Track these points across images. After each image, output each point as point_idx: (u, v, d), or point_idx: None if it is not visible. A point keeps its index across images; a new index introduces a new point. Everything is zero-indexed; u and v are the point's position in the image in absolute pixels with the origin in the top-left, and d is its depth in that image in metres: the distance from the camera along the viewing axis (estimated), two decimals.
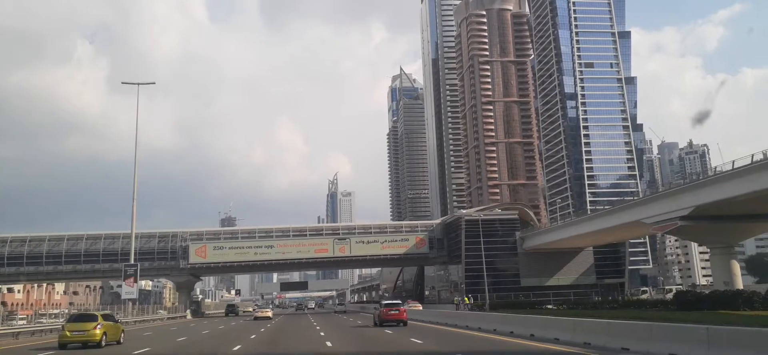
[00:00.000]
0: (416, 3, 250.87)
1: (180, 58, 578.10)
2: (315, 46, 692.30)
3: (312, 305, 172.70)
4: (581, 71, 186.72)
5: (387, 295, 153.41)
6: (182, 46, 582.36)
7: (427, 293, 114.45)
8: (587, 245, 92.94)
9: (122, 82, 65.87)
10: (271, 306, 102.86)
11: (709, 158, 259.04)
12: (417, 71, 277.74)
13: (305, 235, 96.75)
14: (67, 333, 28.11)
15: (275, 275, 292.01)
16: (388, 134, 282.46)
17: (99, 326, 28.45)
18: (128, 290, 71.78)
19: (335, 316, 74.82)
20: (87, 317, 30.00)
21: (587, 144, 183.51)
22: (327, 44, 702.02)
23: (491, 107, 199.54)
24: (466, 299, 77.07)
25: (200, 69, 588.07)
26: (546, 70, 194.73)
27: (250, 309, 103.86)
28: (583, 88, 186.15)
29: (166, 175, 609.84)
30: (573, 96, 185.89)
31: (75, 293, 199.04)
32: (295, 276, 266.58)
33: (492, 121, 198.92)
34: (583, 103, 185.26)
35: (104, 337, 28.69)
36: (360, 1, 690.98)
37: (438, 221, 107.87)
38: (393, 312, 40.50)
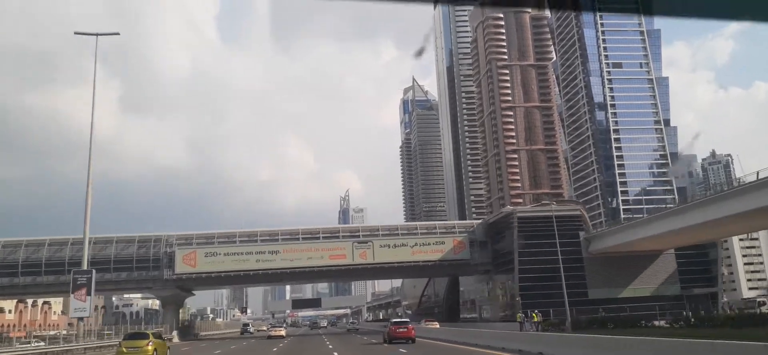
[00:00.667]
0: (426, 18, 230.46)
1: (190, 78, 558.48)
2: (323, 64, 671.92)
3: (324, 323, 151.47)
4: (609, 72, 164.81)
5: (409, 312, 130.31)
6: (193, 66, 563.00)
7: (463, 308, 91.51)
8: (668, 246, 70.24)
9: (75, 33, 41.80)
10: (284, 325, 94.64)
11: (733, 169, 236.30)
12: (429, 85, 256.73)
13: (318, 238, 74.20)
14: (124, 349, 29.37)
15: (288, 290, 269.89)
16: (400, 147, 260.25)
17: (150, 343, 29.79)
18: (79, 305, 49.33)
19: (347, 334, 70.96)
20: (140, 336, 32.34)
21: (618, 149, 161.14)
22: (335, 62, 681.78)
23: (511, 113, 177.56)
24: (534, 315, 54.55)
25: (210, 88, 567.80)
26: (570, 73, 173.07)
27: (265, 328, 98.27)
28: (611, 89, 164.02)
29: (174, 194, 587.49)
30: (601, 98, 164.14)
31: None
32: (308, 292, 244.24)
33: (512, 127, 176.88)
34: (613, 105, 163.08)
35: (155, 353, 29.54)
36: (368, 19, 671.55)
37: (479, 220, 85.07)
38: (401, 330, 39.77)
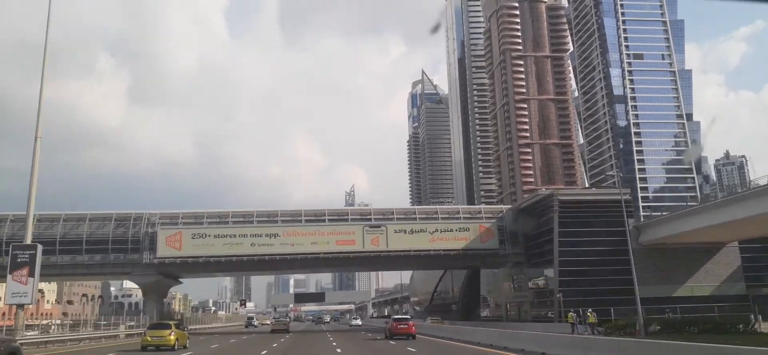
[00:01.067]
0: (437, 8, 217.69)
1: (198, 72, 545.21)
2: (331, 59, 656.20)
3: (327, 318, 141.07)
4: (629, 63, 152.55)
5: (418, 309, 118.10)
6: (201, 60, 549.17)
7: (483, 306, 79.32)
8: (732, 238, 58.18)
9: None
10: (288, 319, 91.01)
11: (748, 170, 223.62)
12: (438, 81, 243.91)
13: (323, 220, 62.05)
14: (148, 338, 30.23)
15: (292, 283, 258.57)
16: (408, 141, 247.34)
17: (173, 333, 30.47)
18: (18, 289, 37.40)
19: (349, 329, 68.32)
20: (163, 326, 32.58)
21: (638, 143, 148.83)
22: (343, 57, 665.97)
23: (525, 106, 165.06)
24: (590, 316, 42.58)
25: (218, 82, 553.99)
26: (588, 64, 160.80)
27: (268, 322, 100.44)
28: (632, 81, 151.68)
29: (182, 190, 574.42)
30: (621, 90, 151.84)
31: (70, 302, 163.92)
32: (312, 286, 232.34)
33: (526, 121, 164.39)
34: (633, 98, 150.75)
35: (177, 342, 30.13)
36: (377, 14, 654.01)
37: (508, 206, 72.92)
38: (402, 326, 38.79)
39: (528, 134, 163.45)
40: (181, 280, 68.41)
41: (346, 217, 62.57)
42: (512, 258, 61.82)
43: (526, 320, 61.16)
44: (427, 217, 63.77)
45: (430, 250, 60.93)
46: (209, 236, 59.72)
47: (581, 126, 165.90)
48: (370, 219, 62.28)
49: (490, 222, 62.35)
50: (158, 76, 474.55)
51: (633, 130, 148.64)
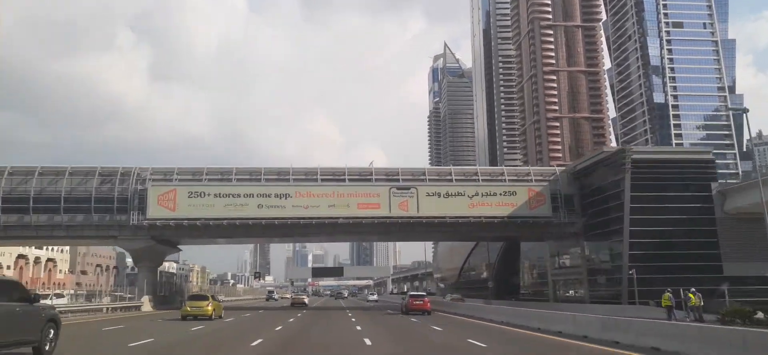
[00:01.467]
0: None
1: (218, 47, 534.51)
2: (349, 36, 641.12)
3: (345, 293, 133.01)
4: (668, 33, 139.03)
5: (442, 286, 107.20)
6: (221, 36, 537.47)
7: (523, 284, 67.97)
8: None
9: None
10: (305, 293, 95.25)
11: None
12: (460, 56, 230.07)
13: (343, 180, 50.88)
14: (188, 308, 31.49)
15: (310, 256, 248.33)
16: (428, 117, 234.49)
17: (210, 304, 31.68)
18: None
19: (366, 305, 65.63)
20: (201, 297, 34.13)
21: (676, 116, 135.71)
22: (362, 34, 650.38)
23: (554, 78, 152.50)
24: (692, 297, 31.16)
25: (237, 59, 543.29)
26: (622, 33, 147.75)
27: (288, 296, 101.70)
28: (670, 51, 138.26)
29: (200, 164, 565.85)
30: (658, 61, 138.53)
31: (83, 272, 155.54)
32: (330, 259, 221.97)
33: (555, 93, 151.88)
34: (672, 69, 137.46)
35: (213, 312, 31.57)
36: None
37: (562, 167, 61.08)
38: (418, 302, 38.99)
39: (557, 107, 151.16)
40: (180, 247, 57.71)
41: (369, 177, 51.10)
42: (569, 228, 50.17)
43: (581, 301, 49.79)
44: (465, 178, 52.16)
45: (468, 217, 49.52)
46: (208, 195, 48.83)
47: (614, 99, 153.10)
48: (397, 180, 50.90)
49: (541, 186, 50.72)
50: (178, 51, 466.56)
51: (671, 102, 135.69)
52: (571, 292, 55.79)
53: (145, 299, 47.13)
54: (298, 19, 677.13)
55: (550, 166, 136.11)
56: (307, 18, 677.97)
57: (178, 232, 49.46)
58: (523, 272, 67.22)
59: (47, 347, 13.08)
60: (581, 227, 50.13)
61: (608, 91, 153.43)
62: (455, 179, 51.19)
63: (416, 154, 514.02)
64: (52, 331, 13.38)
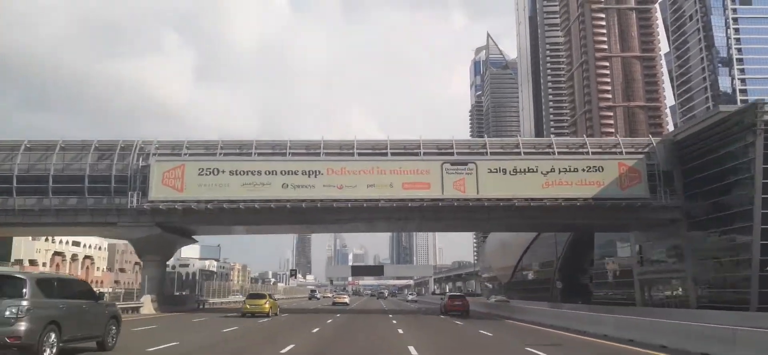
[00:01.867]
0: None
1: (260, 47, 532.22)
2: (390, 33, 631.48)
3: (386, 294, 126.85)
4: (734, 10, 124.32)
5: (490, 286, 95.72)
6: (263, 35, 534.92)
7: (595, 283, 56.16)
8: None
9: None
10: (345, 292, 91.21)
11: None
12: (504, 47, 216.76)
13: (384, 154, 40.35)
14: (248, 306, 32.99)
15: (351, 255, 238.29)
16: (470, 111, 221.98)
17: (267, 302, 33.47)
18: None
19: (406, 305, 64.54)
20: (259, 296, 35.74)
21: (744, 102, 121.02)
22: (402, 30, 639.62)
23: (606, 64, 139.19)
24: None
25: (279, 57, 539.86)
26: (681, 14, 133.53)
27: (329, 295, 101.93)
28: (737, 31, 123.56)
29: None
30: (723, 42, 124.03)
31: (122, 269, 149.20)
32: (370, 257, 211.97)
33: (607, 81, 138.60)
34: (739, 50, 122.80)
35: (270, 310, 33.17)
36: None
37: (660, 137, 49.05)
38: (457, 303, 38.68)
39: (610, 96, 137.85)
40: (195, 238, 48.01)
41: (417, 150, 40.42)
42: (667, 212, 38.40)
43: (684, 305, 38.04)
44: (536, 151, 40.90)
45: (543, 199, 38.35)
46: (223, 172, 38.92)
47: (673, 86, 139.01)
48: (451, 153, 40.05)
49: (635, 159, 39.18)
50: (222, 51, 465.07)
51: (738, 87, 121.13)
52: (665, 293, 43.84)
53: (146, 298, 37.54)
54: (338, 17, 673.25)
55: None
56: (348, 15, 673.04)
57: (187, 217, 39.70)
58: (595, 269, 55.42)
59: (110, 342, 13.99)
60: (684, 211, 38.29)
61: (666, 77, 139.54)
62: (524, 152, 40.03)
63: None
64: (114, 327, 14.24)
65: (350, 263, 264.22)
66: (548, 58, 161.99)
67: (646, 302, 44.31)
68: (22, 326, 10.85)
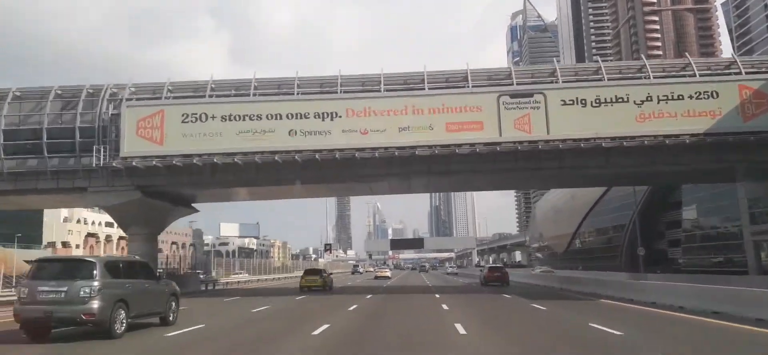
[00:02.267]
0: None
1: (294, 30, 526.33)
2: (424, 7, 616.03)
3: (427, 267, 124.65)
4: None
5: (540, 256, 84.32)
6: (298, 17, 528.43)
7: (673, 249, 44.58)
8: None
9: None
10: (386, 266, 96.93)
11: None
12: (542, 10, 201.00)
13: (421, 88, 29.73)
14: (305, 281, 34.49)
15: (390, 229, 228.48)
16: None
17: (321, 278, 35.25)
18: None
19: (450, 279, 59.83)
20: (315, 272, 37.31)
21: None
22: (436, 4, 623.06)
23: (656, 19, 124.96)
24: None
25: (312, 39, 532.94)
26: None
27: (371, 269, 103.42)
28: None
29: None
30: None
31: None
32: (409, 231, 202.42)
33: (658, 36, 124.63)
34: None
35: (325, 284, 34.48)
36: None
37: None
38: (496, 274, 39.77)
39: (660, 53, 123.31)
40: (195, 206, 38.13)
41: (463, 81, 29.66)
42: None
43: None
44: (622, 76, 29.58)
45: (639, 137, 27.10)
46: (213, 117, 28.92)
47: (732, 41, 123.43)
48: (510, 83, 29.11)
49: (760, 81, 27.52)
50: (256, 34, 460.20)
51: None
52: None
53: None
54: None
55: None
56: None
57: (173, 177, 29.88)
58: (683, 231, 43.63)
59: (171, 317, 14.67)
60: None
61: (723, 29, 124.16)
62: (608, 77, 28.67)
63: None
64: (173, 303, 14.92)
65: (390, 238, 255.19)
66: (591, 16, 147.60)
67: (765, 269, 32.83)
68: (95, 304, 11.59)
